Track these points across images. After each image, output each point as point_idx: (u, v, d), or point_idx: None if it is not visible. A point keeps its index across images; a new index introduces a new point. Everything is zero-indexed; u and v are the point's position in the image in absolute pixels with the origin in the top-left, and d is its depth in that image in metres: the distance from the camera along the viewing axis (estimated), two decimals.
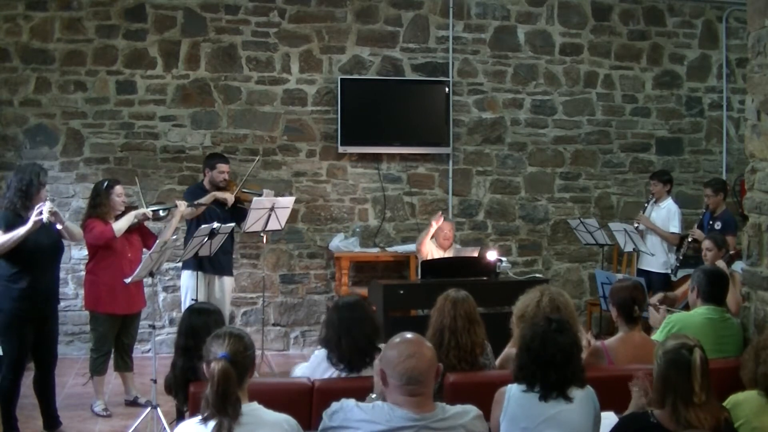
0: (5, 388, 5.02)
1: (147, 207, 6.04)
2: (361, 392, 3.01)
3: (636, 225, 7.35)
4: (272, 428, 2.66)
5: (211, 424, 2.58)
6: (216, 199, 6.54)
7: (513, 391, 3.13)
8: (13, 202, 4.95)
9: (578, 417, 3.07)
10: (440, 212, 7.46)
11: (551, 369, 3.06)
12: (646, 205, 7.57)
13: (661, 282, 7.15)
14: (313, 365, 3.97)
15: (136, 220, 5.79)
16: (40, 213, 4.75)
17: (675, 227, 7.33)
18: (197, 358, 3.59)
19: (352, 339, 3.79)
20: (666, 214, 7.41)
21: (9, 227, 4.86)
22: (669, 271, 7.28)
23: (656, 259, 7.32)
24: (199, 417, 2.63)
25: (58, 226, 4.98)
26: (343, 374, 3.82)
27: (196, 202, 6.41)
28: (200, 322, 3.89)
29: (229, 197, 6.59)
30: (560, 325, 3.15)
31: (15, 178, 5.03)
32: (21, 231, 4.80)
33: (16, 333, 4.97)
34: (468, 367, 3.89)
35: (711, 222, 7.15)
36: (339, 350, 3.82)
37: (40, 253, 5.00)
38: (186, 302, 6.51)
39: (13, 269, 4.94)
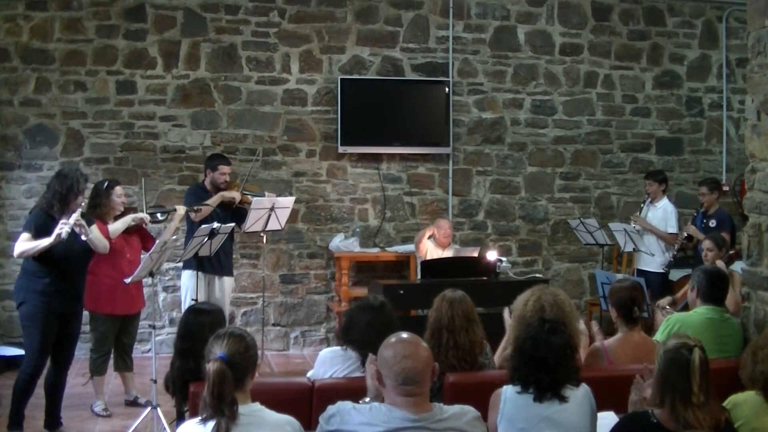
0: (21, 382, 5.06)
1: (147, 210, 6.05)
2: (360, 393, 3.01)
3: (633, 225, 7.35)
4: (273, 429, 2.66)
5: (210, 424, 2.59)
6: (223, 200, 6.53)
7: (508, 392, 3.13)
8: (51, 204, 5.01)
9: (575, 416, 3.07)
10: (440, 218, 7.46)
11: (544, 370, 3.06)
12: (642, 205, 7.56)
13: (660, 282, 7.15)
14: (316, 367, 3.98)
15: (133, 224, 5.81)
16: (63, 228, 4.79)
17: (672, 227, 7.34)
18: (194, 358, 3.60)
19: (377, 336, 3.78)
20: (662, 214, 7.40)
21: (39, 229, 4.93)
22: (667, 271, 7.29)
23: (654, 259, 7.31)
24: (199, 418, 2.64)
25: (83, 238, 5.01)
26: (351, 368, 3.82)
27: (203, 204, 6.39)
28: (196, 323, 3.89)
29: (236, 195, 6.60)
30: (553, 326, 3.15)
31: (56, 182, 5.08)
32: (44, 243, 4.86)
33: (39, 326, 4.99)
34: (467, 366, 3.89)
35: (705, 220, 7.17)
36: (361, 349, 3.78)
37: (71, 258, 5.06)
38: (186, 302, 6.52)
39: (41, 267, 5.01)
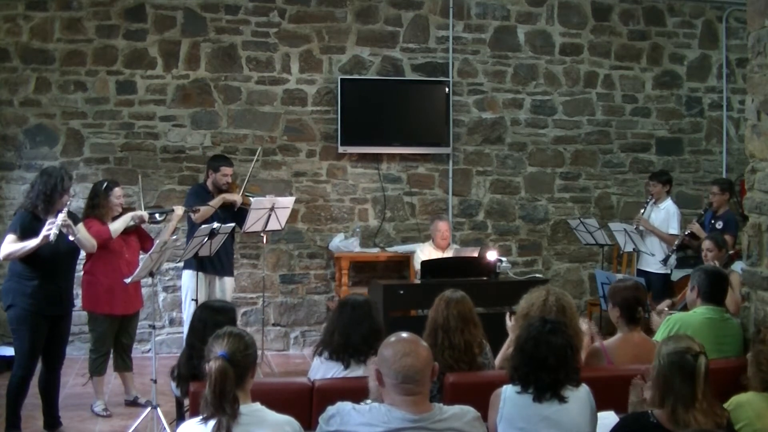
0: (14, 386, 5.05)
1: (145, 210, 6.04)
2: (361, 392, 3.01)
3: (636, 226, 7.34)
4: (273, 429, 2.66)
5: (212, 423, 2.59)
6: (224, 202, 6.53)
7: (508, 392, 3.14)
8: (35, 204, 4.97)
9: (575, 416, 3.07)
10: (437, 220, 7.50)
11: (544, 370, 3.06)
12: (645, 205, 7.55)
13: (661, 282, 7.14)
14: (311, 374, 3.98)
15: (132, 222, 5.80)
16: (50, 229, 4.74)
17: (674, 228, 7.32)
18: (198, 355, 3.59)
19: (345, 336, 3.86)
20: (665, 215, 7.39)
21: (24, 230, 4.89)
22: (669, 271, 7.29)
23: (655, 259, 7.31)
24: (200, 417, 2.64)
25: (70, 238, 4.98)
26: (338, 368, 3.84)
27: (205, 205, 6.39)
28: (203, 319, 3.88)
29: (237, 198, 6.60)
30: (554, 327, 3.15)
31: (40, 181, 5.03)
32: (31, 244, 4.82)
33: (29, 329, 4.98)
34: (465, 367, 3.89)
35: (713, 221, 7.14)
36: (331, 345, 3.89)
37: (57, 258, 5.03)
38: (186, 302, 6.52)
39: (28, 269, 4.98)
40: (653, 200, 7.47)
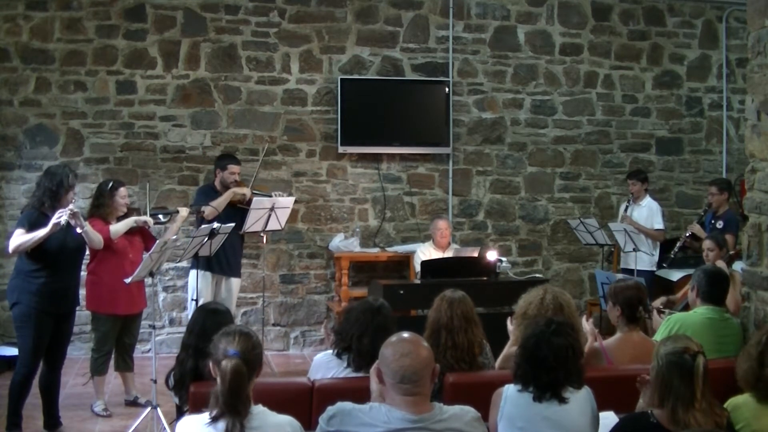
0: (16, 383, 5.06)
1: (149, 212, 6.04)
2: (360, 392, 3.01)
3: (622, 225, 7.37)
4: (275, 430, 2.66)
5: (220, 424, 2.56)
6: (234, 197, 6.52)
7: (509, 391, 3.14)
8: (42, 202, 5.00)
9: (575, 417, 3.07)
10: (437, 219, 7.48)
11: (543, 369, 3.06)
12: (627, 205, 7.59)
13: (647, 280, 7.13)
14: (312, 372, 3.95)
15: (135, 225, 5.80)
16: (60, 216, 4.79)
17: (659, 224, 7.40)
18: (203, 357, 3.56)
19: (375, 342, 3.57)
20: (647, 212, 7.47)
21: (32, 227, 4.91)
22: (654, 269, 7.33)
23: (642, 257, 7.32)
24: (205, 416, 2.61)
25: (78, 230, 5.00)
26: (347, 371, 3.80)
27: (210, 205, 6.39)
28: (214, 323, 3.82)
29: (246, 191, 6.59)
30: (558, 327, 3.15)
31: (46, 179, 5.07)
32: (40, 233, 4.85)
33: (33, 327, 4.98)
34: (466, 366, 3.89)
35: (713, 221, 7.15)
36: (360, 349, 3.72)
37: (64, 254, 5.05)
38: (188, 302, 6.51)
39: (35, 266, 5.00)
40: (633, 199, 7.53)
